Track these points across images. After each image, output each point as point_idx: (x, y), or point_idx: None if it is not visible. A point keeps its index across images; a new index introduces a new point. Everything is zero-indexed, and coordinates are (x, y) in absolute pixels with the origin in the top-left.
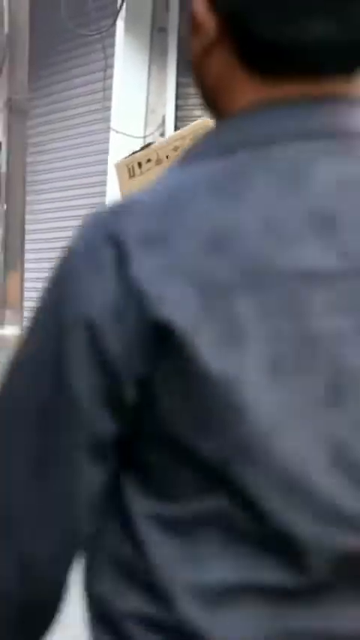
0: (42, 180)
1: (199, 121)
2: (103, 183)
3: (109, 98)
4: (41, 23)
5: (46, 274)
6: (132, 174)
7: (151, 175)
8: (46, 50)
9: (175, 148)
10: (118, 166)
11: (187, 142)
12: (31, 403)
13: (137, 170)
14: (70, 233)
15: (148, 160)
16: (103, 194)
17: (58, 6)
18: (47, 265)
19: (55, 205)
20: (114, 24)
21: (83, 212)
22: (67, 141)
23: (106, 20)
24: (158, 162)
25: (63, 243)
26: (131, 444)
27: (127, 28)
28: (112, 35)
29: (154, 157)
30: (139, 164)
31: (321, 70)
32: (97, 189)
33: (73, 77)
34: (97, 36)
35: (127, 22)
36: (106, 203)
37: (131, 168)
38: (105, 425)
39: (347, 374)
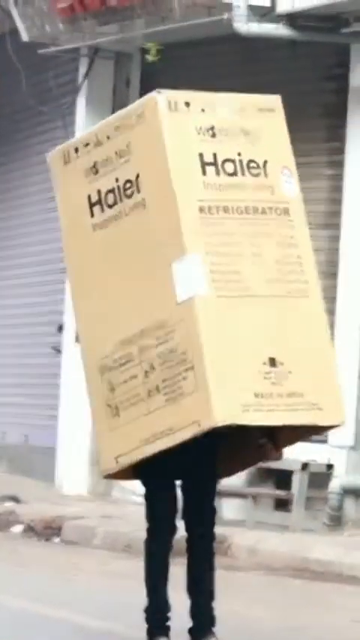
0: (2, 257)
1: (144, 97)
2: (63, 260)
3: None
4: (3, 100)
5: (5, 350)
6: (67, 160)
7: (90, 158)
8: (7, 127)
9: (117, 128)
10: (52, 156)
11: (131, 121)
12: None
13: (73, 155)
14: (29, 310)
15: (86, 145)
16: (62, 270)
17: (19, 82)
18: (6, 342)
19: (14, 282)
20: (75, 101)
21: (44, 289)
22: (28, 217)
23: (67, 97)
24: (98, 144)
25: (22, 320)
26: None
27: (88, 105)
28: (73, 112)
29: (92, 140)
30: (76, 149)
31: None
32: (57, 265)
33: (34, 154)
34: (58, 113)
35: (89, 99)
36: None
37: (66, 154)
38: None
39: None
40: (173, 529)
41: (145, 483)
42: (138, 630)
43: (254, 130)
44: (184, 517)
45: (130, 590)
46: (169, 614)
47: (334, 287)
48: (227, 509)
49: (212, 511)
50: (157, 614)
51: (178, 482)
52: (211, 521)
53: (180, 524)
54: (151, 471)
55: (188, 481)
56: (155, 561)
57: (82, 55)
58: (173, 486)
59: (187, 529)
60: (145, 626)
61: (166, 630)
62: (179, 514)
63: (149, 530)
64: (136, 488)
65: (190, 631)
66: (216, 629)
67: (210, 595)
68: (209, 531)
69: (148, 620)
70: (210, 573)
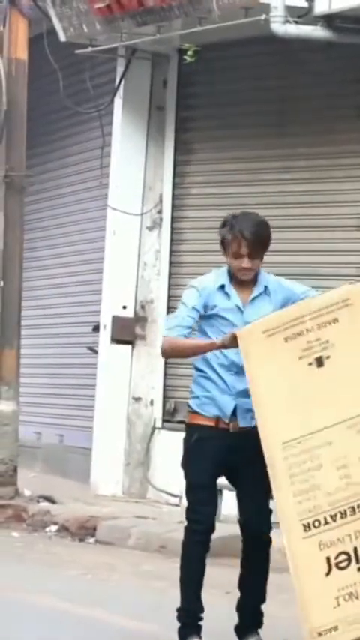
0: (38, 257)
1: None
2: (100, 260)
3: (106, 175)
4: (40, 100)
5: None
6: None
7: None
8: (44, 127)
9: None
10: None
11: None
12: None
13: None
14: (66, 310)
15: (292, 324)
16: (100, 270)
17: (57, 83)
18: (42, 342)
19: (51, 282)
20: (112, 102)
21: (80, 288)
22: (64, 218)
23: (104, 98)
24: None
25: (58, 320)
26: None
27: (125, 106)
28: (110, 113)
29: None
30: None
31: None
32: (94, 265)
33: (70, 154)
34: (95, 114)
35: (125, 100)
36: (103, 280)
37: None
38: None
39: None
40: (212, 529)
41: (188, 483)
42: (171, 630)
43: None
44: (241, 517)
45: (163, 591)
46: (202, 614)
47: None
48: None
49: (269, 512)
50: (189, 613)
51: (225, 483)
52: (268, 522)
53: (219, 525)
54: (199, 469)
55: (246, 481)
56: (191, 561)
57: (119, 56)
58: (214, 486)
59: (245, 529)
60: (177, 625)
61: (198, 630)
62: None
63: (187, 530)
64: (170, 489)
65: (237, 628)
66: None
67: (261, 596)
68: (266, 532)
69: (180, 618)
70: (264, 575)
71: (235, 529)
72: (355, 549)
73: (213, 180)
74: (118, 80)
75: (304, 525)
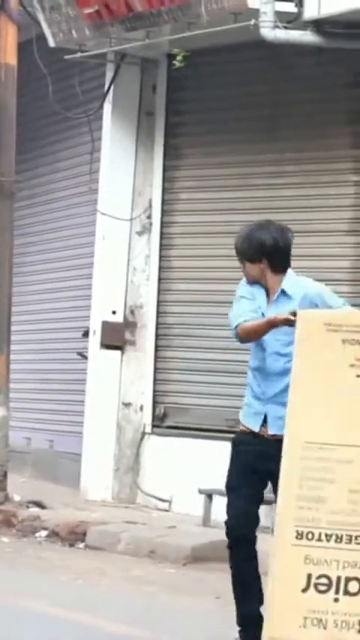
0: (28, 262)
1: None
2: (90, 265)
3: (96, 180)
4: (29, 105)
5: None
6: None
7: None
8: (34, 132)
9: None
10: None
11: None
12: None
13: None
14: (56, 315)
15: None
16: (89, 276)
17: (46, 89)
18: (32, 347)
19: (41, 287)
20: (101, 107)
21: (70, 294)
22: (54, 223)
23: (93, 103)
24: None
25: (48, 325)
26: None
27: (115, 111)
28: (100, 118)
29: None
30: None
31: None
32: (84, 270)
33: (60, 160)
34: (84, 119)
35: (115, 105)
36: (92, 285)
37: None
38: None
39: None
40: (240, 529)
41: (229, 495)
42: (161, 635)
43: None
44: None
45: (153, 596)
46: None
47: None
48: None
49: None
50: (244, 617)
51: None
52: None
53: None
54: (230, 472)
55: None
56: (232, 562)
57: (109, 61)
58: (244, 488)
59: None
60: (168, 629)
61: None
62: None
63: (228, 533)
64: (160, 494)
65: None
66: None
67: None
68: None
69: (238, 623)
70: None
71: (224, 534)
72: (339, 578)
73: (202, 186)
74: (107, 85)
75: (297, 532)
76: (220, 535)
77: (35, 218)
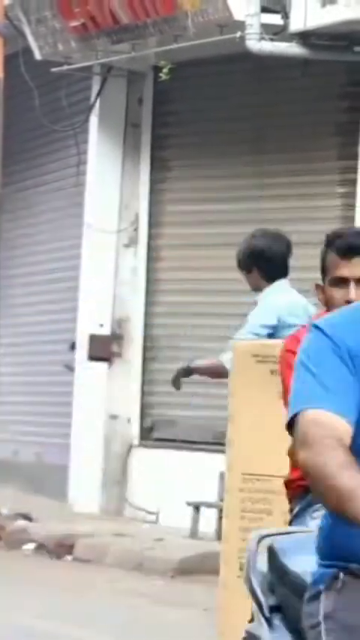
0: (15, 275)
1: None
2: (77, 278)
3: (82, 193)
4: (16, 118)
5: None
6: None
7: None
8: (20, 145)
9: None
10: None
11: None
12: None
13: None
14: (42, 327)
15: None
16: (76, 288)
17: (32, 101)
18: (19, 360)
19: (28, 300)
20: (88, 120)
21: (57, 306)
22: (41, 235)
23: (79, 116)
24: None
25: (35, 338)
26: None
27: (101, 124)
28: (86, 131)
29: None
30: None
31: None
32: (71, 283)
33: (46, 172)
34: (70, 131)
35: (101, 117)
36: (79, 298)
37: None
38: None
39: None
40: None
41: None
42: None
43: None
44: None
45: (141, 608)
46: None
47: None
48: None
49: None
50: None
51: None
52: None
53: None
54: None
55: None
56: None
57: (95, 74)
58: None
59: None
60: None
61: None
62: None
63: None
64: (148, 506)
65: None
66: None
67: None
68: None
69: None
70: None
71: (212, 546)
72: None
73: (189, 198)
74: (93, 98)
75: (240, 563)
76: (208, 547)
77: (22, 230)
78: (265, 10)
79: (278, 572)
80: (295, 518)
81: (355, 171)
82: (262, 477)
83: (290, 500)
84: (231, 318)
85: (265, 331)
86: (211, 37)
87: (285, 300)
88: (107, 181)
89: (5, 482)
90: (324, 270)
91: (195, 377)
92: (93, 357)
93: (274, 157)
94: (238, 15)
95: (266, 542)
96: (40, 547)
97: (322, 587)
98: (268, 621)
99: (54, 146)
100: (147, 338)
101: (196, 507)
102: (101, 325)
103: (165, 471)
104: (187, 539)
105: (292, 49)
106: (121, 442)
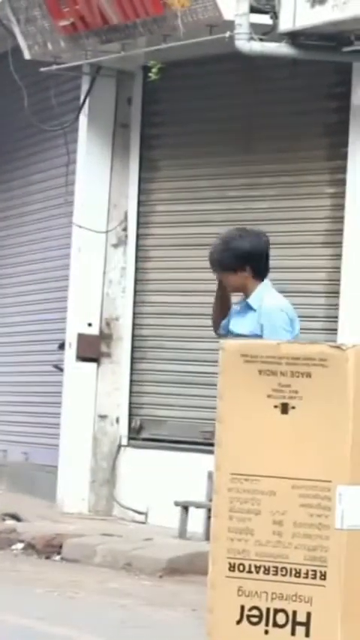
0: (3, 275)
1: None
2: (66, 278)
3: (71, 193)
4: (4, 118)
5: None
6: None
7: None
8: (8, 145)
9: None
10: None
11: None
12: None
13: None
14: (31, 327)
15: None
16: (65, 288)
17: (21, 101)
18: (7, 360)
19: (17, 300)
20: (77, 119)
21: (45, 306)
22: (29, 235)
23: (69, 115)
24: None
25: (24, 338)
26: None
27: (90, 124)
28: (75, 130)
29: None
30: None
31: None
32: (60, 283)
33: (35, 172)
34: (59, 131)
35: (90, 117)
36: (68, 298)
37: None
38: None
39: None
40: None
41: None
42: None
43: None
44: None
45: (129, 608)
46: None
47: (336, 306)
48: None
49: None
50: None
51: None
52: None
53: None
54: None
55: None
56: None
57: (84, 74)
58: None
59: None
60: None
61: None
62: None
63: None
64: (137, 506)
65: None
66: None
67: None
68: None
69: None
70: None
71: (201, 546)
72: (268, 610)
73: (178, 198)
74: (82, 98)
75: (229, 564)
76: (196, 547)
77: (10, 231)
78: (254, 10)
79: None
80: None
81: (344, 171)
82: (250, 477)
83: None
84: None
85: (289, 334)
86: (201, 36)
87: (285, 301)
88: (96, 181)
89: None
90: None
91: (183, 378)
92: (81, 357)
93: (263, 157)
94: (227, 15)
95: None
96: (29, 547)
97: None
98: None
99: (43, 146)
100: (135, 338)
101: (185, 507)
102: (90, 325)
103: (153, 471)
104: (176, 539)
105: (281, 49)
106: (109, 442)
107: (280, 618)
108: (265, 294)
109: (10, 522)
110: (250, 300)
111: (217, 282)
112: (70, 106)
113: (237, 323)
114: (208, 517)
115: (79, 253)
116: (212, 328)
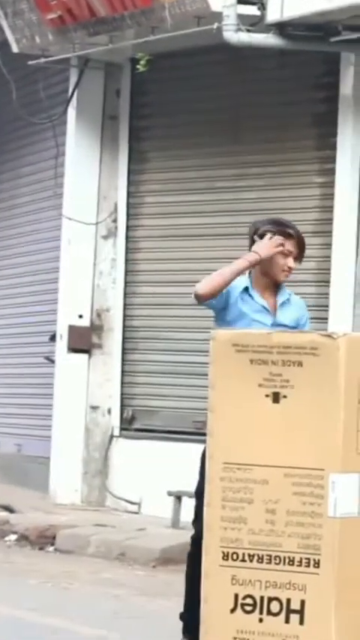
0: None
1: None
2: (56, 270)
3: (60, 185)
4: None
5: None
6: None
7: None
8: None
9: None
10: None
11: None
12: None
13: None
14: (22, 320)
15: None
16: (55, 280)
17: (10, 94)
18: (2, 352)
19: (7, 292)
20: (65, 112)
21: (36, 298)
22: (19, 228)
23: (57, 108)
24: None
25: (15, 330)
26: None
27: (79, 116)
28: (64, 123)
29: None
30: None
31: None
32: (50, 275)
33: (24, 165)
34: (48, 124)
35: (79, 109)
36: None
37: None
38: None
39: None
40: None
41: (198, 502)
42: (131, 638)
43: None
44: None
45: (123, 599)
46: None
47: (327, 295)
48: None
49: None
50: (189, 622)
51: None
52: None
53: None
54: (200, 477)
55: None
56: (197, 581)
57: (72, 66)
58: None
59: None
60: (137, 632)
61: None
62: None
63: (195, 539)
64: (129, 496)
65: None
66: None
67: None
68: None
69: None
70: None
71: None
72: (262, 598)
73: (168, 189)
74: (71, 90)
75: (223, 553)
76: (190, 537)
77: (0, 223)
78: (241, 1)
79: None
80: None
81: (333, 161)
82: (242, 466)
83: None
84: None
85: None
86: (189, 28)
87: None
88: (85, 173)
89: None
90: None
91: (175, 368)
92: (73, 348)
93: (252, 147)
94: (215, 6)
95: None
96: (22, 538)
97: None
98: None
99: (32, 138)
100: (126, 329)
101: (178, 497)
102: (80, 316)
103: (146, 461)
104: (169, 528)
105: (268, 39)
106: (101, 433)
107: (274, 606)
108: (285, 288)
109: (3, 514)
110: (289, 295)
111: (255, 257)
112: (59, 99)
113: (287, 317)
114: None
115: (69, 245)
116: (195, 296)
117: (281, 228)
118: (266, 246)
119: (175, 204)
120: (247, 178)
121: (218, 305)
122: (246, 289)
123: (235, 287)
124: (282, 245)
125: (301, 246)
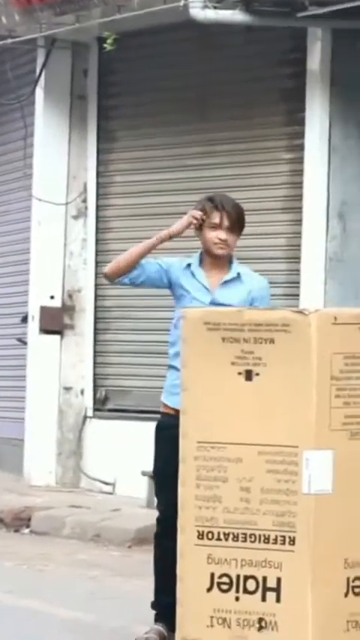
0: None
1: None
2: (26, 251)
3: (30, 166)
4: None
5: None
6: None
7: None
8: None
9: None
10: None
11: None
12: None
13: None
14: None
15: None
16: (26, 261)
17: None
18: None
19: None
20: (33, 92)
21: (7, 280)
22: None
23: (25, 88)
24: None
25: None
26: None
27: (47, 96)
28: (32, 103)
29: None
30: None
31: None
32: (21, 256)
33: None
34: (16, 104)
35: (47, 90)
36: (30, 271)
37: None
38: None
39: None
40: (167, 516)
41: (159, 483)
42: (107, 619)
43: None
44: None
45: (99, 580)
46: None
47: (297, 271)
48: None
49: None
50: (159, 603)
51: None
52: None
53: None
54: (156, 457)
55: None
56: (164, 562)
57: (40, 46)
58: (170, 473)
59: None
60: (114, 613)
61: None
62: None
63: (160, 520)
64: (104, 477)
65: None
66: None
67: None
68: None
69: (153, 607)
70: None
71: None
72: (238, 577)
73: (137, 168)
74: (38, 71)
75: (198, 532)
76: None
77: None
78: None
79: None
80: None
81: (302, 136)
82: (216, 445)
83: None
84: None
85: None
86: (155, 6)
87: None
88: (54, 153)
89: None
90: None
91: (147, 347)
92: (45, 329)
93: (220, 124)
94: None
95: None
96: None
97: None
98: None
99: (0, 119)
100: (98, 309)
101: (152, 477)
102: (52, 297)
103: (120, 442)
104: (144, 508)
105: (235, 16)
106: (75, 414)
107: (251, 585)
108: (240, 265)
109: None
110: (240, 270)
111: (165, 233)
112: (27, 79)
113: (228, 296)
114: None
115: (39, 226)
116: (103, 275)
117: (208, 202)
118: (179, 221)
119: (144, 182)
120: (216, 156)
121: (135, 282)
122: (188, 266)
123: (174, 266)
124: (196, 218)
125: (236, 217)
